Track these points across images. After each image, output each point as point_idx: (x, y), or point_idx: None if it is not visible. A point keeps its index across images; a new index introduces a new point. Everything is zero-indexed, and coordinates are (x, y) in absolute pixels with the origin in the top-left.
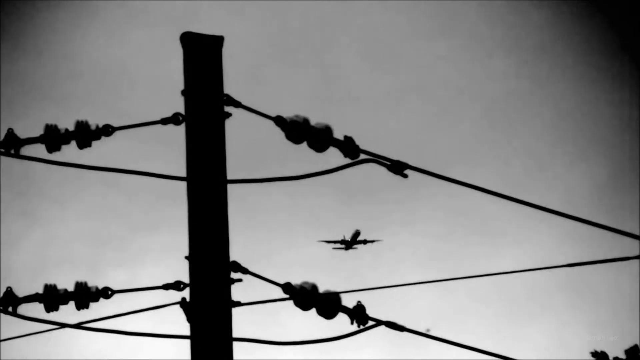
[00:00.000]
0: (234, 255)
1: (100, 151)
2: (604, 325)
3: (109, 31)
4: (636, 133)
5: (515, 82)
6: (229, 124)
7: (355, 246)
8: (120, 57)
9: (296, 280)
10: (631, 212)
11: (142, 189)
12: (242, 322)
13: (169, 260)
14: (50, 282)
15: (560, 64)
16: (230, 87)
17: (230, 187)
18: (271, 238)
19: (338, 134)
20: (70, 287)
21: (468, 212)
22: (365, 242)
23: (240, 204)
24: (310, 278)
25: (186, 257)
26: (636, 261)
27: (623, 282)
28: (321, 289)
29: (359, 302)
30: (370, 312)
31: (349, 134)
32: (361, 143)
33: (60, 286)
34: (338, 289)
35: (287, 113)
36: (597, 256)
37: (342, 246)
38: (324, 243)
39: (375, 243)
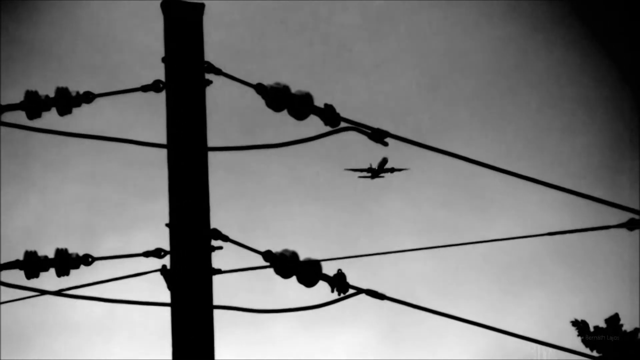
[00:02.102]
0: (217, 223)
1: (90, 117)
2: (595, 292)
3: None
4: (633, 103)
5: (512, 52)
6: (210, 91)
7: (382, 174)
8: (105, 22)
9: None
10: (628, 180)
11: (138, 155)
12: (238, 289)
13: (164, 226)
14: (45, 247)
15: (557, 34)
16: (216, 55)
17: (213, 154)
18: (256, 206)
19: (334, 104)
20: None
21: (463, 181)
22: (392, 170)
23: (224, 172)
24: (303, 247)
25: (167, 225)
26: (627, 229)
27: (616, 250)
28: (317, 258)
29: (339, 270)
30: (362, 280)
31: (343, 103)
32: (353, 112)
33: (52, 253)
34: (324, 257)
35: (282, 83)
36: (590, 224)
37: (369, 174)
38: (350, 172)
39: (402, 172)
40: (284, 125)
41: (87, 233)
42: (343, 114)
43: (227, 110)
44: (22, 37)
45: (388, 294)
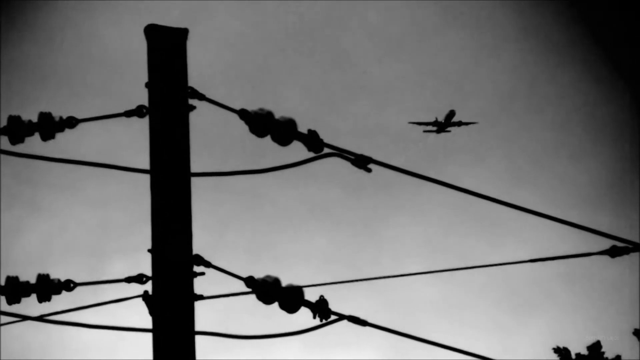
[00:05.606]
0: (199, 249)
1: (79, 141)
2: (591, 318)
3: (79, 23)
4: (637, 127)
5: (519, 77)
6: (193, 116)
7: (448, 129)
8: (90, 47)
9: (286, 275)
10: (632, 206)
11: (146, 178)
12: (250, 313)
13: None
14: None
15: (563, 59)
16: (204, 80)
17: (198, 180)
18: (260, 231)
19: (327, 128)
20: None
21: (469, 205)
22: (459, 124)
23: (207, 198)
24: (305, 271)
25: (149, 250)
26: (635, 255)
27: (620, 276)
28: (300, 284)
29: (321, 296)
30: (364, 305)
31: (342, 128)
32: (355, 136)
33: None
34: (325, 281)
35: (280, 112)
36: (594, 250)
37: (434, 128)
38: (414, 125)
39: (470, 126)
40: (271, 150)
41: (95, 256)
42: (342, 139)
43: (213, 135)
44: (8, 58)
45: (392, 318)
